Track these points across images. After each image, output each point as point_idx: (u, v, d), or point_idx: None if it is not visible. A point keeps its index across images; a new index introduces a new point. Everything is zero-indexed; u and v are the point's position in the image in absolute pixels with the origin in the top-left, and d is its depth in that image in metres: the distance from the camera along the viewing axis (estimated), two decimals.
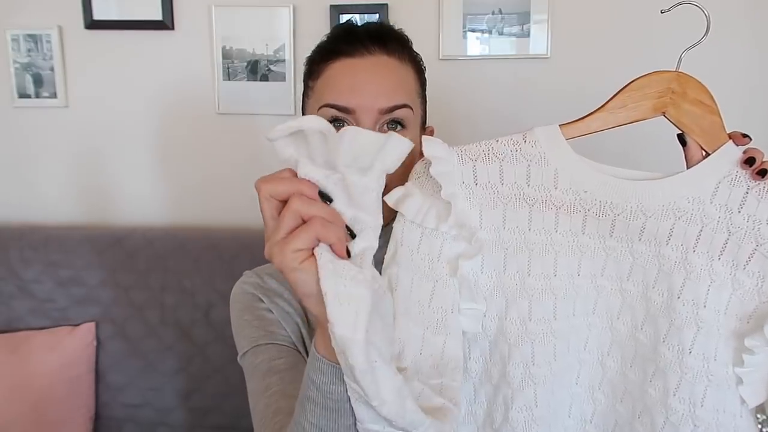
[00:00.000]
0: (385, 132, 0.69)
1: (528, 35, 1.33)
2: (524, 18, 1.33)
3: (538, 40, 1.33)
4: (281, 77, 1.41)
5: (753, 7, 1.29)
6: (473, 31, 1.35)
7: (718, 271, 0.56)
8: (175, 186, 1.50)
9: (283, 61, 1.40)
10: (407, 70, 0.72)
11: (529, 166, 0.57)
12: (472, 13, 1.34)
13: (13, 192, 1.54)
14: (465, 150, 0.58)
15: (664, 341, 0.58)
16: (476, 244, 0.59)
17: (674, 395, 0.58)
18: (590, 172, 0.57)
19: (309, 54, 0.76)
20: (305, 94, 0.76)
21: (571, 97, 1.33)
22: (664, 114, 0.59)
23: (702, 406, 0.57)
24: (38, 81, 1.47)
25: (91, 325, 1.31)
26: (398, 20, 1.36)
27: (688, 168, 0.59)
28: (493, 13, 1.33)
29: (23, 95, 1.48)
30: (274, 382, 0.69)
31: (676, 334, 0.57)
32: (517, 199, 0.58)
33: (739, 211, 0.55)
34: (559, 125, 0.58)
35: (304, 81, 0.77)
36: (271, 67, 1.40)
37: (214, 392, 1.28)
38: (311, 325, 0.78)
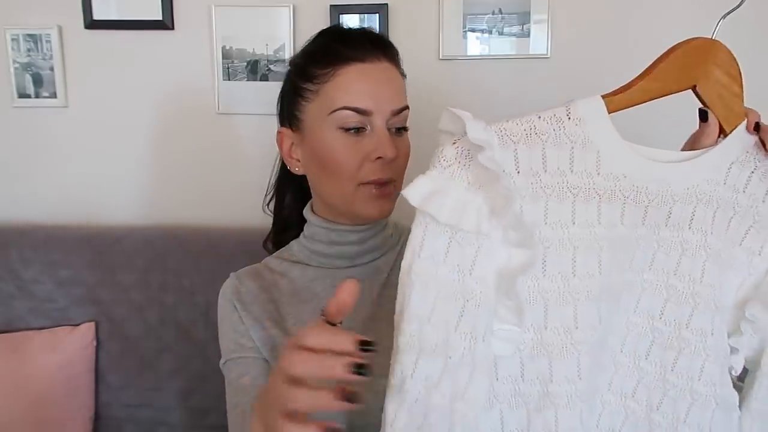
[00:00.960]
0: (393, 134, 0.76)
1: (528, 35, 1.33)
2: (524, 18, 1.33)
3: (538, 40, 1.33)
4: (281, 77, 1.39)
5: (752, 7, 1.29)
6: (473, 31, 1.35)
7: (729, 252, 0.57)
8: (175, 186, 1.50)
9: (283, 61, 1.40)
10: (401, 77, 0.80)
11: (572, 149, 0.51)
12: (472, 13, 1.34)
13: (13, 192, 1.54)
14: (505, 130, 0.50)
15: (687, 326, 0.58)
16: (538, 248, 0.50)
17: (699, 380, 0.58)
18: (630, 155, 0.53)
19: (298, 58, 0.81)
20: (301, 97, 0.79)
21: (571, 97, 1.32)
22: (694, 88, 0.56)
23: (722, 384, 0.58)
24: (38, 81, 1.47)
25: (91, 325, 1.31)
26: (398, 20, 1.37)
27: (691, 145, 0.60)
28: (493, 13, 1.33)
29: (23, 95, 1.48)
30: (241, 402, 0.72)
31: (699, 318, 0.57)
32: (561, 189, 0.51)
33: (744, 191, 0.57)
34: (602, 96, 0.53)
35: (294, 84, 0.80)
36: (271, 67, 1.40)
37: (214, 392, 1.27)
38: (282, 327, 0.80)
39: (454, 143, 0.48)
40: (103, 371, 1.32)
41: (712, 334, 0.57)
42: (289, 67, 0.84)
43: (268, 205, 0.98)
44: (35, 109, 1.49)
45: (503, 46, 1.35)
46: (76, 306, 1.32)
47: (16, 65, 1.46)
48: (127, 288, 1.32)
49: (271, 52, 1.40)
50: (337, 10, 1.36)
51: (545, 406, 0.52)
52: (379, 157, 0.75)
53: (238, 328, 0.80)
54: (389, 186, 0.78)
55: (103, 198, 1.51)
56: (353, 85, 0.74)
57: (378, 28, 1.35)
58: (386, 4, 1.35)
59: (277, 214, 0.98)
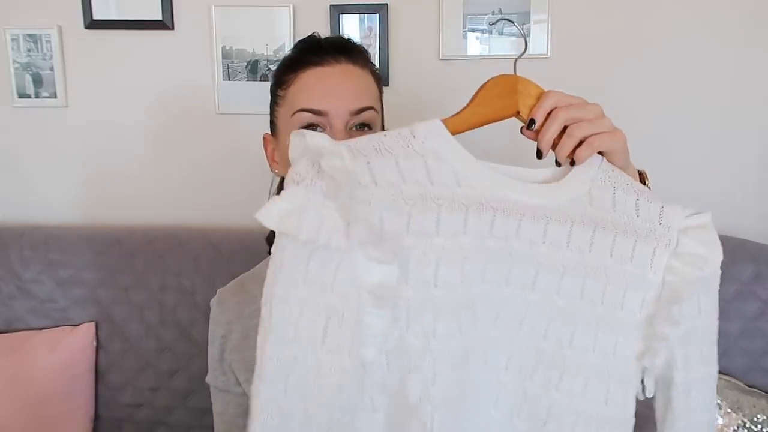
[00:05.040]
0: (354, 135, 0.74)
1: (528, 35, 1.33)
2: (524, 18, 1.33)
3: (538, 40, 1.33)
4: None
5: (752, 7, 1.29)
6: (473, 31, 1.35)
7: (622, 270, 0.57)
8: (174, 186, 1.50)
9: None
10: (369, 78, 0.80)
11: (426, 162, 0.51)
12: (472, 13, 1.34)
13: (13, 192, 1.54)
14: (354, 144, 0.50)
15: (570, 344, 0.57)
16: (401, 257, 0.49)
17: (582, 397, 0.57)
18: (486, 171, 0.54)
19: (275, 67, 0.82)
20: (275, 103, 0.81)
21: None
22: (517, 114, 0.59)
23: (607, 403, 0.58)
24: (38, 81, 1.47)
25: (91, 325, 1.31)
26: (398, 20, 1.37)
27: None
28: (493, 13, 1.33)
29: (23, 95, 1.48)
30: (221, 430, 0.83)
31: (581, 336, 0.57)
32: (424, 200, 0.50)
33: (614, 210, 0.57)
34: (441, 120, 0.54)
35: (271, 92, 0.82)
36: (271, 67, 1.40)
37: None
38: None
39: (304, 159, 0.48)
40: (103, 371, 1.32)
41: (594, 351, 0.57)
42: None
43: None
44: (35, 109, 1.49)
45: (503, 46, 1.35)
46: (76, 306, 1.32)
47: (16, 65, 1.46)
48: (127, 288, 1.32)
49: (271, 52, 1.40)
50: (337, 10, 1.36)
51: (408, 416, 0.51)
52: None
53: (223, 357, 0.83)
54: None
55: (103, 198, 1.51)
56: (309, 87, 0.75)
57: (378, 28, 1.35)
58: (386, 4, 1.35)
59: None
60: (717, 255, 0.58)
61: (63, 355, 1.26)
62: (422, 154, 0.52)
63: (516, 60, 0.61)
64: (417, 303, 0.50)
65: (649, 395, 0.59)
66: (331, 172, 0.46)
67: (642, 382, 0.59)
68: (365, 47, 0.83)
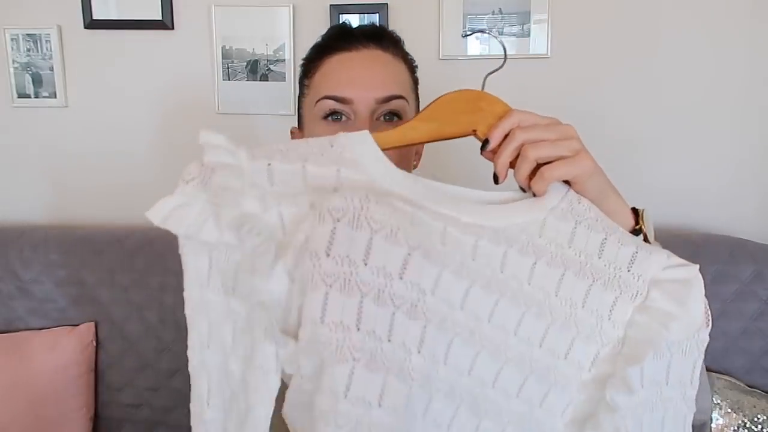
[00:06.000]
0: (381, 126, 0.69)
1: (528, 35, 1.33)
2: (524, 18, 1.33)
3: (538, 40, 1.33)
4: (281, 77, 1.40)
5: (751, 7, 1.29)
6: (473, 31, 1.35)
7: (569, 314, 0.49)
8: (175, 186, 1.49)
9: (283, 60, 1.40)
10: (401, 66, 0.74)
11: (338, 170, 0.48)
12: (472, 13, 1.34)
13: (13, 192, 1.53)
14: (255, 148, 0.48)
15: (517, 396, 0.50)
16: (271, 253, 0.45)
17: None
18: (414, 186, 0.49)
19: (304, 56, 0.78)
20: (301, 94, 0.77)
21: (571, 97, 1.33)
22: (474, 132, 0.53)
23: None
24: (37, 81, 1.47)
25: (91, 325, 1.31)
26: (398, 20, 1.37)
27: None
28: (493, 13, 1.33)
29: (22, 95, 1.48)
30: None
31: (530, 389, 0.50)
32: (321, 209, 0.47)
33: (570, 246, 0.50)
34: (370, 132, 0.51)
35: (299, 82, 0.78)
36: (271, 67, 1.40)
37: None
38: None
39: (198, 160, 0.47)
40: (103, 371, 1.32)
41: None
42: None
43: None
44: (35, 109, 1.49)
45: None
46: (75, 306, 1.32)
47: (16, 65, 1.46)
48: (127, 288, 1.32)
49: (271, 52, 1.40)
50: (337, 10, 1.36)
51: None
52: None
53: None
54: None
55: (103, 198, 1.51)
56: (334, 73, 0.70)
57: None
58: (386, 3, 1.35)
59: None
60: (692, 316, 0.48)
61: (63, 355, 1.26)
62: (336, 163, 0.48)
63: (487, 76, 0.56)
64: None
65: None
66: (220, 171, 0.45)
67: None
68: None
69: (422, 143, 0.54)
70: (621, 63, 1.34)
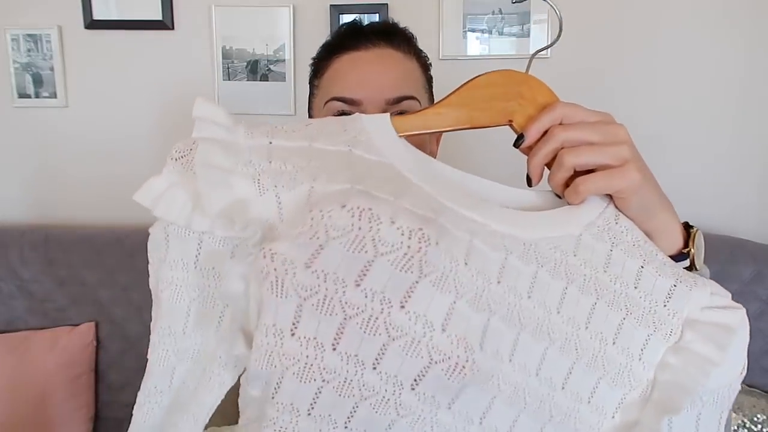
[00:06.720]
0: None
1: (528, 35, 1.33)
2: (524, 18, 1.33)
3: (538, 40, 1.33)
4: (281, 77, 1.41)
5: (751, 6, 1.29)
6: (473, 31, 1.35)
7: (598, 350, 0.42)
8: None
9: (283, 61, 1.40)
10: (413, 64, 0.71)
11: (350, 150, 0.43)
12: (472, 13, 1.34)
13: (13, 192, 1.54)
14: (256, 126, 0.44)
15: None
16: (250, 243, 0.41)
17: None
18: (434, 179, 0.44)
19: (314, 55, 0.76)
20: (311, 94, 0.75)
21: (571, 97, 1.32)
22: (510, 123, 0.46)
23: None
24: (38, 81, 1.47)
25: (91, 325, 1.31)
26: (398, 20, 1.36)
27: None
28: (493, 13, 1.34)
29: (23, 95, 1.48)
30: None
31: (524, 422, 0.43)
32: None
33: (605, 270, 0.43)
34: (391, 115, 0.46)
35: (309, 82, 0.76)
36: (271, 67, 1.40)
37: None
38: None
39: (189, 137, 0.42)
40: (103, 371, 1.32)
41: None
42: None
43: None
44: (35, 109, 1.49)
45: (503, 46, 1.35)
46: (75, 306, 1.32)
47: (16, 65, 1.46)
48: (127, 288, 1.32)
49: (271, 52, 1.40)
50: (337, 10, 1.36)
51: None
52: None
53: None
54: None
55: (103, 198, 1.51)
56: (343, 74, 0.68)
57: None
58: (386, 4, 1.35)
59: None
60: (733, 364, 0.45)
61: (63, 354, 1.26)
62: (349, 144, 0.43)
63: (536, 53, 0.49)
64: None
65: None
66: (212, 147, 0.40)
67: None
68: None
69: (447, 131, 0.47)
70: (621, 63, 1.34)
